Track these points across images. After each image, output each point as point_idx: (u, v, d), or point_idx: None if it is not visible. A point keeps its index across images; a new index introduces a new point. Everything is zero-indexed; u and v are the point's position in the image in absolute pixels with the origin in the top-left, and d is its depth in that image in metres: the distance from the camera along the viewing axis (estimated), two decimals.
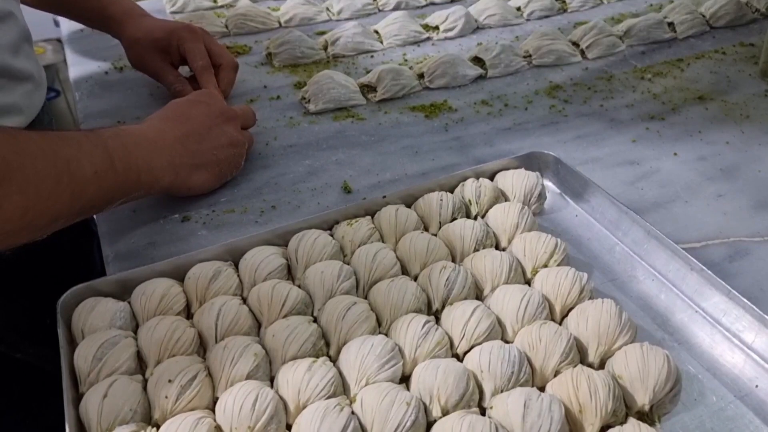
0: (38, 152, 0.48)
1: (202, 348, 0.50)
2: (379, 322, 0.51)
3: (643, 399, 0.45)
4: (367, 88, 0.85)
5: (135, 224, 0.63)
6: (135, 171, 0.57)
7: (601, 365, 0.48)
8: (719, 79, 0.88)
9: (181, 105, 0.66)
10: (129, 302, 0.53)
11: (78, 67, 0.93)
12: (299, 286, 0.54)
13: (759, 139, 0.76)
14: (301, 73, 0.91)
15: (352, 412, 0.43)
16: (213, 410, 0.45)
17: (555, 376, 0.47)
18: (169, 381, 0.45)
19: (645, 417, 0.45)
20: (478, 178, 0.64)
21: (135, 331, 0.51)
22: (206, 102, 0.68)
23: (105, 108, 0.83)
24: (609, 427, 0.43)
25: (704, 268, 0.52)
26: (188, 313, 0.53)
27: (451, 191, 0.63)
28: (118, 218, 0.64)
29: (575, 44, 0.96)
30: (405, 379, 0.47)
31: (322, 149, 0.75)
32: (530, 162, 0.67)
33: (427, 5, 1.11)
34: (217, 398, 0.46)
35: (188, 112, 0.65)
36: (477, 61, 0.91)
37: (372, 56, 0.95)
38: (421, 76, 0.87)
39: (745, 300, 0.49)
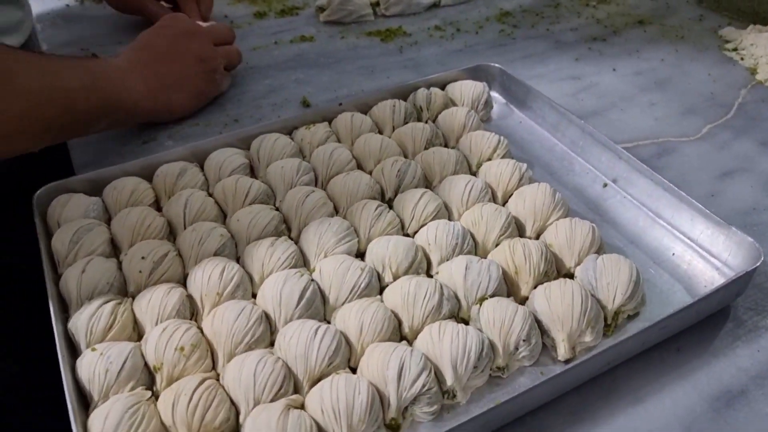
0: (34, 64, 0.52)
1: (171, 236, 0.54)
2: (336, 210, 0.55)
3: (569, 262, 0.50)
4: (321, 10, 0.89)
5: (104, 142, 0.66)
6: (115, 91, 0.60)
7: (538, 239, 0.53)
8: (658, 5, 0.93)
9: (148, 33, 0.69)
10: (101, 198, 0.56)
11: (39, 1, 0.94)
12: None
13: (691, 56, 0.81)
14: (259, 4, 0.93)
15: (312, 279, 0.48)
16: (183, 285, 0.49)
17: (496, 247, 0.52)
18: (143, 258, 0.49)
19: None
20: (428, 88, 0.68)
21: (107, 224, 0.54)
22: (170, 25, 0.70)
23: (68, 39, 0.84)
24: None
25: (632, 156, 0.58)
26: (157, 207, 0.57)
27: (404, 100, 0.67)
28: (88, 141, 0.66)
29: None
30: (360, 256, 0.52)
31: (282, 70, 0.78)
32: (478, 74, 0.71)
33: None
34: (186, 274, 0.50)
35: (154, 39, 0.68)
36: None
37: None
38: (376, 4, 0.91)
39: (666, 181, 0.55)
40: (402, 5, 0.90)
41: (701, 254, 0.53)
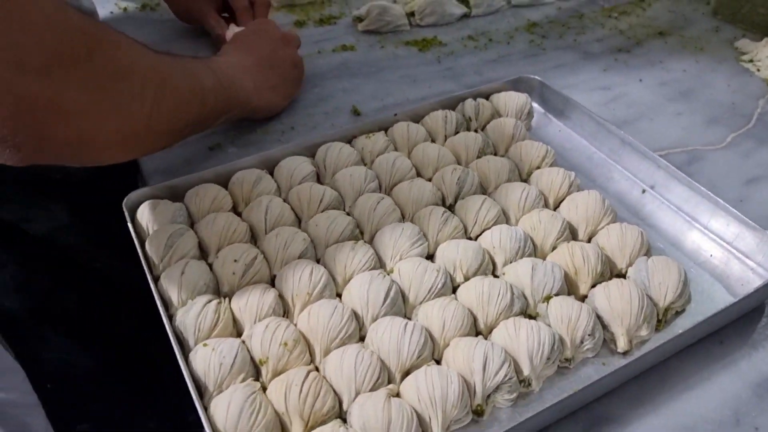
0: (178, 66, 0.56)
1: (252, 240, 0.58)
2: (402, 215, 0.60)
3: (621, 263, 0.55)
4: (358, 20, 0.93)
5: (171, 149, 0.70)
6: (234, 89, 0.64)
7: (589, 242, 0.58)
8: (676, 17, 0.98)
9: (247, 36, 0.74)
10: (183, 203, 0.60)
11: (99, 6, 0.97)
12: None
13: (711, 67, 0.87)
14: (298, 12, 0.97)
15: (392, 280, 0.53)
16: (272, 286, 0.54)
17: (552, 250, 0.57)
18: (234, 261, 0.53)
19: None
20: (475, 99, 0.73)
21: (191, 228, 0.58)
22: (266, 30, 0.76)
23: None
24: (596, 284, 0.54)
25: (669, 164, 0.63)
26: (234, 213, 0.61)
27: (453, 110, 0.72)
28: None
29: None
30: (429, 258, 0.57)
31: (328, 79, 0.83)
32: (518, 85, 0.76)
33: None
34: (273, 276, 0.54)
35: (254, 41, 0.73)
36: (461, 1, 0.99)
37: None
38: (411, 14, 0.95)
39: (703, 188, 0.60)
40: (436, 16, 0.94)
41: (737, 256, 0.58)
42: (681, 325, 0.52)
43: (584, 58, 0.88)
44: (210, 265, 0.55)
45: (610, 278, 0.55)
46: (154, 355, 0.88)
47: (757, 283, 0.55)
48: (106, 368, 0.77)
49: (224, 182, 0.63)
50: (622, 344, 0.50)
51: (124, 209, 0.58)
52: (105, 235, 0.73)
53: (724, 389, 0.49)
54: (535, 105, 0.76)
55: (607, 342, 0.51)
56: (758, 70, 0.85)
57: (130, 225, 0.57)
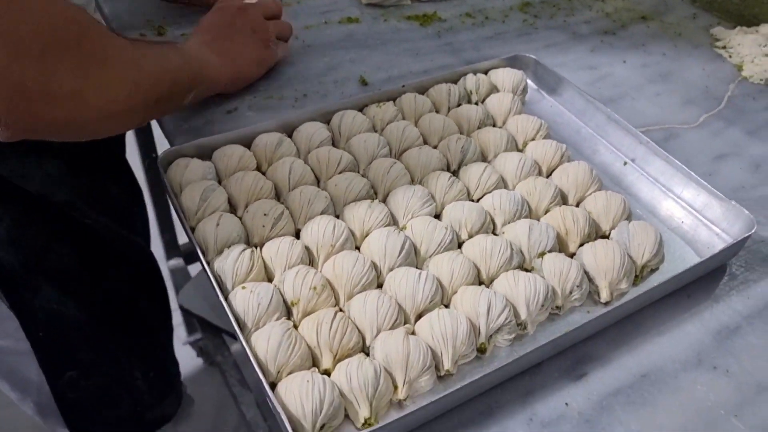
0: (152, 51, 0.61)
1: (276, 197, 0.64)
2: (411, 179, 0.66)
3: (605, 226, 0.63)
4: None
5: (193, 113, 0.75)
6: (199, 66, 0.69)
7: (578, 207, 0.65)
8: (658, 3, 1.05)
9: (209, 16, 0.78)
10: (212, 162, 0.66)
11: None
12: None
13: (688, 51, 0.94)
14: None
15: (405, 236, 0.59)
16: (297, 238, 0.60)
17: (546, 213, 0.64)
18: (264, 215, 0.59)
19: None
20: (475, 74, 0.79)
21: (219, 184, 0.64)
22: (224, 6, 0.79)
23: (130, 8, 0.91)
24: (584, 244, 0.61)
25: (650, 140, 0.70)
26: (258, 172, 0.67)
27: (455, 83, 0.78)
28: (179, 113, 0.75)
29: None
30: (437, 218, 0.63)
31: (336, 49, 0.88)
32: (515, 63, 0.82)
33: None
34: (298, 230, 0.60)
35: (215, 19, 0.77)
36: None
37: None
38: None
39: (678, 162, 0.68)
40: None
41: (704, 223, 0.66)
42: (655, 281, 0.60)
43: (573, 38, 0.95)
44: (240, 219, 0.60)
45: (596, 239, 0.62)
46: (141, 310, 0.94)
47: (720, 246, 0.63)
48: (95, 320, 0.82)
49: (247, 143, 0.68)
50: (604, 295, 0.57)
51: (159, 165, 0.63)
52: (96, 194, 0.78)
53: (690, 335, 0.57)
54: (529, 82, 0.83)
55: (592, 293, 0.59)
56: (730, 56, 0.93)
57: (164, 179, 0.63)
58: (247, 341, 0.51)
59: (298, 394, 0.47)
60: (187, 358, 1.42)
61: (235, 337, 0.51)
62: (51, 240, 0.77)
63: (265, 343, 0.50)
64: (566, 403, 0.52)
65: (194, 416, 1.10)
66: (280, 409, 0.46)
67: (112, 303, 0.85)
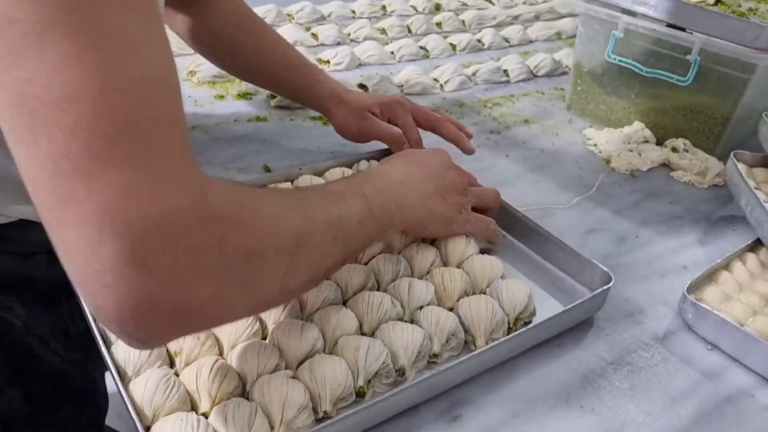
0: (319, 215, 0.51)
1: None
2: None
3: (482, 284, 0.68)
4: (272, 97, 1.07)
5: None
6: (389, 213, 0.61)
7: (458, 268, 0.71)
8: (539, 110, 1.19)
9: (420, 152, 0.76)
10: None
11: None
12: None
13: (564, 148, 1.05)
14: (218, 88, 1.09)
15: None
16: None
17: (427, 273, 0.69)
18: None
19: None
20: (368, 160, 0.86)
21: None
22: (439, 154, 0.75)
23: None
24: None
25: (527, 216, 0.78)
26: None
27: (350, 168, 0.85)
28: None
29: (436, 80, 1.23)
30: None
31: (243, 142, 0.94)
32: None
33: (318, 45, 1.34)
34: None
35: (427, 157, 0.73)
36: (361, 87, 1.15)
37: None
38: None
39: (551, 233, 0.74)
40: None
41: (573, 282, 0.72)
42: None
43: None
44: None
45: (473, 294, 0.67)
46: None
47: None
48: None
49: None
50: (480, 343, 0.61)
51: None
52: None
53: (559, 379, 0.61)
54: None
55: (468, 343, 0.63)
56: (600, 152, 1.05)
57: None
58: (126, 388, 0.51)
59: None
60: None
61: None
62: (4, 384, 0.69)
63: (143, 387, 0.51)
64: None
65: None
66: None
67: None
